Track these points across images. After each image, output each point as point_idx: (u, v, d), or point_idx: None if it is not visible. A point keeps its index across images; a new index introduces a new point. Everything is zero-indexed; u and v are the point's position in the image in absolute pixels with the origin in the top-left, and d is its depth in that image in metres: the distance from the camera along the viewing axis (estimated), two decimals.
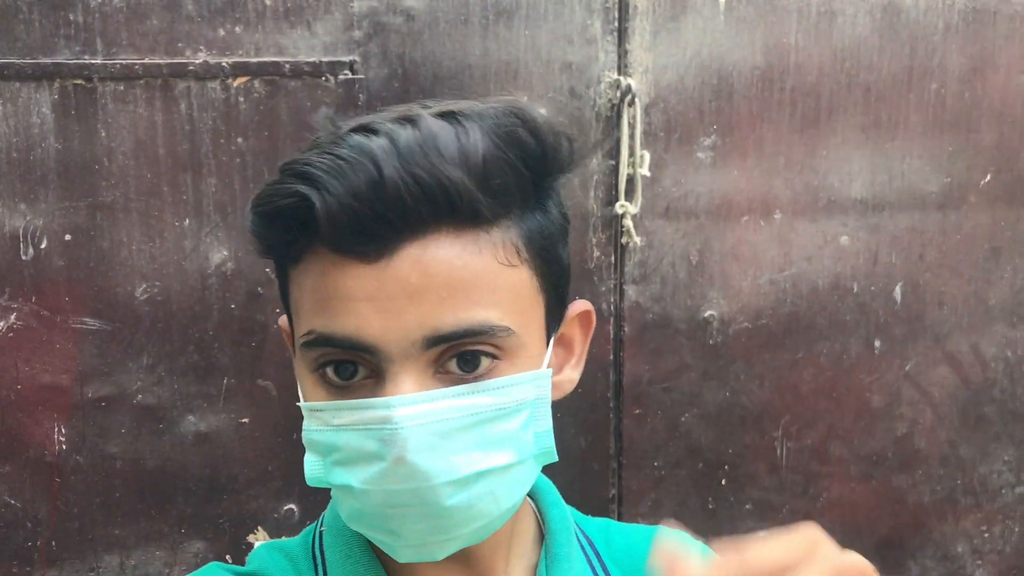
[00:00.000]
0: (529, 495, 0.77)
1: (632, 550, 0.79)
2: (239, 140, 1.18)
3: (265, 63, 1.16)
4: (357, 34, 1.18)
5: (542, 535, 0.75)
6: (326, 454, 0.64)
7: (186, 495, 1.25)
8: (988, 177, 1.37)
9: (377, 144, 0.59)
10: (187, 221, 1.19)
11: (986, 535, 1.46)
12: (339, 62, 1.18)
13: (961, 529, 1.45)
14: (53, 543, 1.22)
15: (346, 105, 1.18)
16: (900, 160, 1.34)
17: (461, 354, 0.61)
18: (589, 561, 0.76)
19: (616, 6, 1.23)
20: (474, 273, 0.61)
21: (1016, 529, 1.46)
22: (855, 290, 1.36)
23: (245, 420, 1.24)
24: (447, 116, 0.61)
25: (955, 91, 1.34)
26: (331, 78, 1.18)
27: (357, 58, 1.18)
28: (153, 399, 1.22)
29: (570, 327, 0.71)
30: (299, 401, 0.67)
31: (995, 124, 1.35)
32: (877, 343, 1.38)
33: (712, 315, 1.33)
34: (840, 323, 1.36)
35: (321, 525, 0.75)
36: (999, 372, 1.42)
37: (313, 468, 0.65)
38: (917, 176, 1.35)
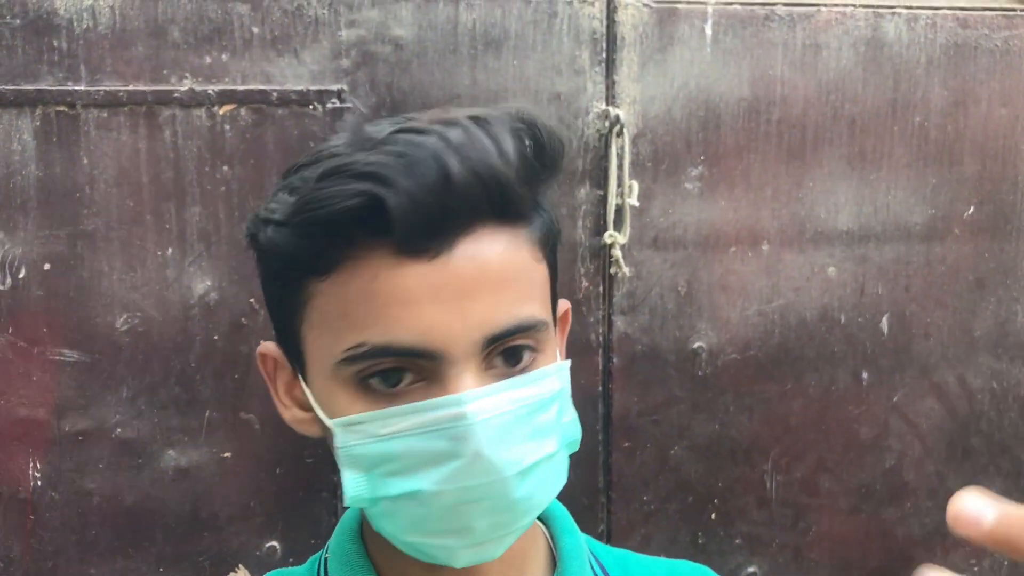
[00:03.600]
0: (542, 521, 0.77)
1: None
2: (224, 168, 1.16)
3: (252, 91, 1.15)
4: (345, 63, 1.17)
5: (554, 562, 0.75)
6: (372, 467, 0.63)
7: (165, 532, 1.21)
8: (971, 209, 1.38)
9: (432, 142, 0.60)
10: (170, 250, 1.16)
11: (976, 569, 1.45)
12: (327, 91, 1.17)
13: (951, 563, 1.44)
14: None
15: (334, 133, 1.16)
16: (885, 192, 1.34)
17: (508, 349, 0.64)
18: None
19: (604, 37, 1.24)
20: (519, 268, 0.64)
21: (1005, 563, 1.46)
22: (843, 321, 1.35)
23: (227, 455, 1.21)
24: (475, 119, 0.63)
25: (938, 124, 1.35)
26: (319, 106, 1.17)
27: (345, 87, 1.17)
28: (132, 433, 1.18)
29: (557, 325, 0.74)
30: (322, 418, 0.66)
31: (977, 157, 1.37)
32: (865, 375, 1.37)
33: (701, 346, 1.32)
34: (828, 354, 1.36)
35: (326, 552, 0.75)
36: (985, 404, 1.42)
37: (356, 487, 0.64)
38: (902, 208, 1.35)
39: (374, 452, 0.63)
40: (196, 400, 1.20)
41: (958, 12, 1.34)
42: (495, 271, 0.62)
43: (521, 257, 0.64)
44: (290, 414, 0.71)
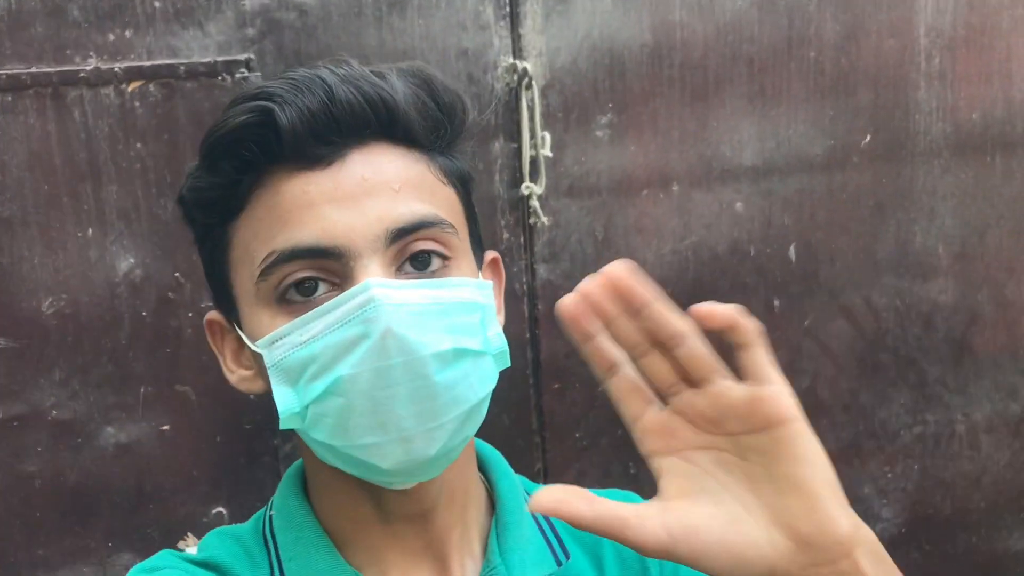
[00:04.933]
0: (479, 468, 0.80)
1: None
2: (138, 145, 1.16)
3: (159, 66, 1.15)
4: (250, 31, 1.18)
5: (492, 505, 0.79)
6: (298, 377, 0.66)
7: (111, 508, 1.23)
8: (868, 137, 1.44)
9: (321, 71, 0.66)
10: (90, 231, 1.17)
11: (889, 475, 1.55)
12: (234, 61, 1.17)
13: (867, 472, 1.54)
14: None
15: None
16: (786, 127, 1.40)
17: (415, 254, 0.67)
18: (540, 527, 0.79)
19: None
20: (417, 175, 0.68)
21: (916, 467, 1.55)
22: (752, 253, 1.42)
23: (166, 427, 1.23)
24: (365, 66, 0.69)
25: (832, 58, 1.40)
26: (227, 77, 1.17)
27: (252, 56, 1.18)
28: (69, 414, 1.20)
29: (487, 273, 0.77)
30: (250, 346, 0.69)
31: (871, 87, 1.43)
32: (776, 302, 1.44)
33: None
34: (741, 285, 1.42)
35: (270, 509, 0.77)
36: (891, 321, 1.50)
37: (286, 402, 0.66)
38: (802, 140, 1.41)
39: (297, 360, 0.65)
40: (130, 376, 1.21)
41: None
42: (391, 174, 0.66)
43: (418, 169, 0.68)
44: (237, 376, 0.74)
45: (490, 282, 0.72)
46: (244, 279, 0.68)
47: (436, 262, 0.67)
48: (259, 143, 0.65)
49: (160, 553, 0.74)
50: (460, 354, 0.66)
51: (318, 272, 0.65)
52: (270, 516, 0.76)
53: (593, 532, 0.52)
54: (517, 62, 1.26)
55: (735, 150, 1.38)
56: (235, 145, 0.65)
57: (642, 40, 1.32)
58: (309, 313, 0.64)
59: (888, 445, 1.54)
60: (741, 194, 1.40)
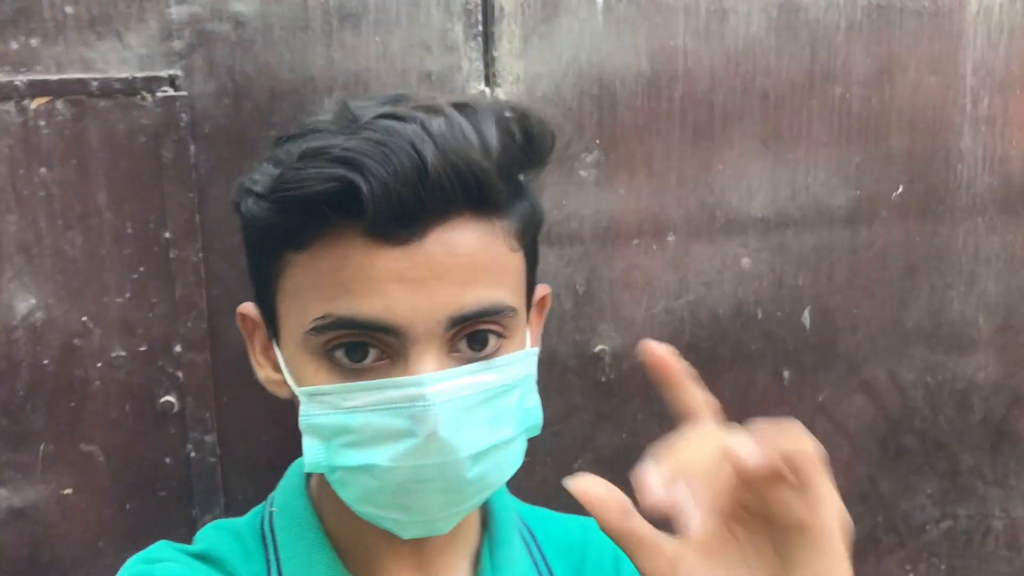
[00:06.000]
0: None
1: (567, 538, 0.86)
2: (42, 170, 1.02)
3: (68, 81, 1.01)
4: (178, 44, 1.03)
5: (484, 521, 0.81)
6: (331, 437, 0.66)
7: None
8: (900, 188, 1.26)
9: (412, 130, 0.61)
10: None
11: (911, 575, 1.36)
12: (157, 77, 1.02)
13: (884, 570, 1.35)
14: None
15: (167, 126, 1.02)
16: (804, 173, 1.23)
17: (473, 333, 0.66)
18: (528, 547, 0.81)
19: (479, 8, 1.10)
20: (491, 256, 0.66)
21: (942, 567, 1.36)
22: (760, 316, 1.24)
23: (68, 491, 1.09)
24: (461, 107, 0.64)
25: (861, 96, 1.23)
26: (148, 96, 1.02)
27: (179, 72, 1.03)
28: None
29: (535, 313, 0.77)
30: (294, 386, 0.69)
31: (906, 131, 1.25)
32: (786, 373, 1.27)
33: (604, 349, 1.21)
34: (745, 353, 1.25)
35: (271, 506, 0.78)
36: (919, 399, 1.32)
37: (315, 454, 0.67)
38: (823, 190, 1.24)
39: (334, 423, 0.65)
40: (28, 433, 1.07)
41: None
42: (466, 258, 0.64)
43: (495, 248, 0.66)
44: (264, 373, 0.75)
45: (536, 348, 0.72)
46: (291, 317, 0.68)
47: (492, 343, 0.67)
48: (336, 207, 0.62)
49: (157, 544, 0.76)
50: (495, 448, 0.67)
51: (371, 340, 0.65)
52: (271, 512, 0.77)
53: (611, 539, 0.51)
54: (487, 89, 1.10)
55: (743, 198, 1.21)
56: (309, 204, 0.63)
57: (638, 68, 1.15)
58: (355, 383, 0.65)
59: (911, 541, 1.35)
60: (748, 248, 1.22)
